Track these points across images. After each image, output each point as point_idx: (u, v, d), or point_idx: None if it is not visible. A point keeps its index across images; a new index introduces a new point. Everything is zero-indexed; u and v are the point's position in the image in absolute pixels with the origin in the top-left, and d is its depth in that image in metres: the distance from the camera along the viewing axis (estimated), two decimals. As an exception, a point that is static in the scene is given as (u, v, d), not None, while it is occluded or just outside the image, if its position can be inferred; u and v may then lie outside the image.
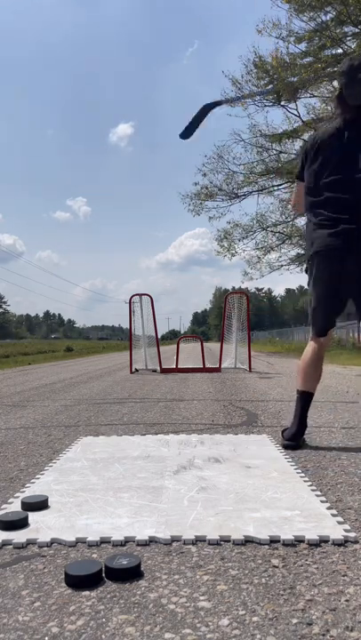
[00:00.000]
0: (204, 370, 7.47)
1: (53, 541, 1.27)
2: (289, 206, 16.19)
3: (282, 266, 17.85)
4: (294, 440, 2.28)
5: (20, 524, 1.35)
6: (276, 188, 16.33)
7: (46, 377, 7.40)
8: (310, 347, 2.36)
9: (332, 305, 2.30)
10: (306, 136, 14.92)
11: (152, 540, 1.27)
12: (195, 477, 1.79)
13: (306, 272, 2.37)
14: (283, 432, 2.39)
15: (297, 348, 15.68)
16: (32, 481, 1.79)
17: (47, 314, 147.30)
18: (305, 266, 2.39)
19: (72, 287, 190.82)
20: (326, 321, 2.33)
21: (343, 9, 11.92)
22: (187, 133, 3.13)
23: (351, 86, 2.20)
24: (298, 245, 17.17)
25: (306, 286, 2.44)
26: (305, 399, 2.34)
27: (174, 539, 1.27)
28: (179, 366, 7.69)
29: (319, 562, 1.15)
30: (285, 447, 2.25)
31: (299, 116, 14.66)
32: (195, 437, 2.52)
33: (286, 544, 1.24)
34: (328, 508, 1.45)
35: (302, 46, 13.71)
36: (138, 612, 0.95)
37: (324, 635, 0.87)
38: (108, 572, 1.08)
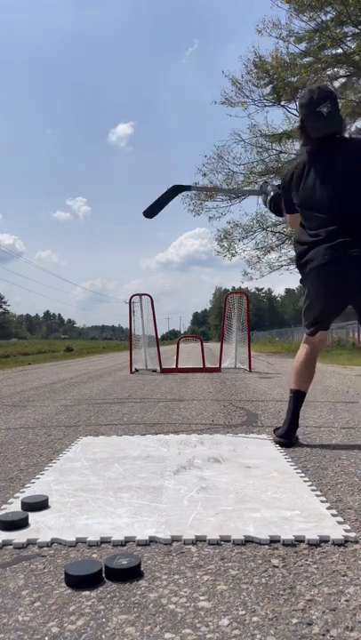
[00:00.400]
0: (204, 370, 7.47)
1: (54, 541, 1.27)
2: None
3: (282, 266, 17.86)
4: (287, 438, 2.32)
5: (21, 524, 1.35)
6: (276, 188, 16.31)
7: (46, 377, 7.40)
8: (304, 347, 2.41)
9: (329, 314, 2.36)
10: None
11: (152, 540, 1.27)
12: (195, 477, 1.79)
13: (301, 282, 2.40)
14: (275, 430, 2.44)
15: (297, 348, 15.61)
16: (32, 481, 1.79)
17: (47, 314, 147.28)
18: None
19: (72, 287, 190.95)
20: (322, 323, 2.36)
21: (343, 9, 11.92)
22: (151, 212, 2.94)
23: (312, 119, 2.27)
24: (298, 245, 17.13)
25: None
26: (298, 398, 2.37)
27: (174, 539, 1.27)
28: (179, 366, 7.69)
29: (319, 562, 1.15)
30: (278, 443, 2.31)
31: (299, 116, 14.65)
32: (195, 437, 2.52)
33: (286, 544, 1.24)
34: (328, 508, 1.45)
35: (302, 46, 13.73)
36: (138, 611, 0.95)
37: (324, 635, 0.87)
38: (108, 572, 1.08)
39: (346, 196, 2.20)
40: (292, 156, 15.52)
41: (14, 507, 1.50)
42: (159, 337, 8.02)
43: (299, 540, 1.25)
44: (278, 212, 2.67)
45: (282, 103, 14.69)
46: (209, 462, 2.01)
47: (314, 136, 2.29)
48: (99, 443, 2.44)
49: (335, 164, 2.25)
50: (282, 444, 2.30)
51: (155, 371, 7.44)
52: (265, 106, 14.76)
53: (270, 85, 14.34)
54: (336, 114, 2.26)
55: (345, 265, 2.17)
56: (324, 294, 2.28)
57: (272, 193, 2.70)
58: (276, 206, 2.66)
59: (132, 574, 1.08)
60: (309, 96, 2.28)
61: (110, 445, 2.37)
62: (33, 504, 1.48)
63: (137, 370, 7.62)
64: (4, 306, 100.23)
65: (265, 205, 2.80)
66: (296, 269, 2.43)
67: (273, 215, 2.80)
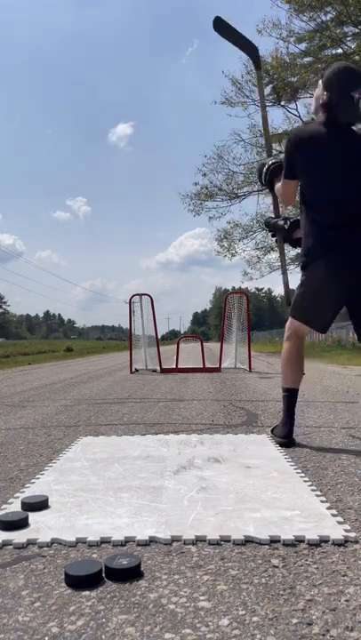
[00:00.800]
0: (204, 370, 7.47)
1: (54, 541, 1.27)
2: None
3: (282, 266, 17.83)
4: (289, 438, 2.32)
5: (21, 524, 1.35)
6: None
7: (46, 377, 7.40)
8: (290, 342, 2.38)
9: (326, 311, 2.30)
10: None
11: (152, 540, 1.27)
12: (195, 477, 1.79)
13: (302, 269, 2.33)
14: (272, 430, 2.45)
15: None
16: (32, 481, 1.79)
17: (47, 314, 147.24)
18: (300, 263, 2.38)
19: (72, 287, 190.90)
20: (321, 319, 2.32)
21: (343, 9, 11.93)
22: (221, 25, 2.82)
23: (342, 100, 2.14)
24: (298, 245, 17.14)
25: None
26: (293, 396, 2.38)
27: (175, 539, 1.27)
28: (179, 366, 7.69)
29: (319, 562, 1.15)
30: (280, 444, 2.30)
31: (299, 116, 14.69)
32: (194, 437, 2.52)
33: (287, 544, 1.24)
34: (328, 508, 1.45)
35: (302, 46, 13.74)
36: (138, 612, 0.95)
37: (324, 635, 0.87)
38: (108, 572, 1.08)
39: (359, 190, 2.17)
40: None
41: (14, 507, 1.50)
42: (159, 337, 8.02)
43: (299, 540, 1.25)
44: (270, 184, 2.52)
45: (282, 103, 14.70)
46: (209, 462, 2.01)
47: (337, 117, 2.17)
48: (99, 443, 2.44)
49: (353, 153, 2.18)
50: (284, 445, 2.29)
51: (155, 371, 7.44)
52: (265, 106, 14.75)
53: (270, 85, 14.34)
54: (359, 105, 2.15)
55: (346, 262, 2.14)
56: (332, 284, 2.19)
57: (272, 160, 2.54)
58: (271, 176, 2.51)
59: (132, 574, 1.08)
60: (347, 74, 2.16)
61: (110, 445, 2.37)
62: (33, 504, 1.47)
63: (137, 370, 7.62)
64: (3, 306, 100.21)
65: (259, 176, 2.60)
66: (301, 260, 2.31)
67: (273, 215, 2.70)
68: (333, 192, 2.18)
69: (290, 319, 2.38)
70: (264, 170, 2.55)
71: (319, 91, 2.24)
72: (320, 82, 2.25)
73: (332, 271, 2.18)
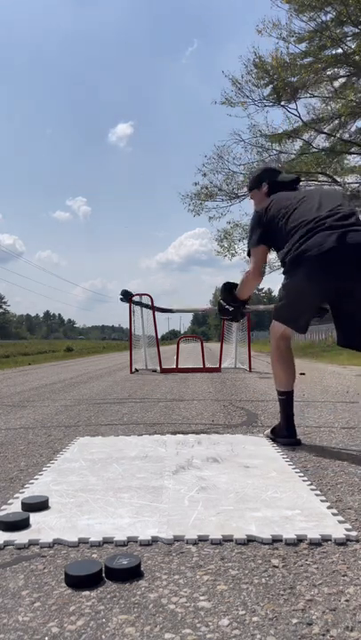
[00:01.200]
0: (204, 370, 7.47)
1: (56, 542, 1.27)
2: None
3: (282, 266, 17.82)
4: (295, 437, 2.36)
5: (22, 524, 1.35)
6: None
7: (46, 377, 7.39)
8: (281, 345, 2.39)
9: (304, 313, 2.32)
10: (306, 136, 14.96)
11: (155, 540, 1.27)
12: (194, 477, 1.79)
13: (284, 273, 2.34)
14: (272, 431, 2.47)
15: (297, 348, 15.63)
16: (30, 481, 1.79)
17: (47, 314, 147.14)
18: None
19: (72, 287, 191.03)
20: (302, 320, 2.33)
21: (343, 9, 11.94)
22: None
23: (277, 174, 2.68)
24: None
25: None
26: (290, 398, 2.41)
27: (177, 538, 1.27)
28: (179, 366, 7.68)
29: (319, 562, 1.15)
30: (290, 444, 2.31)
31: (299, 116, 14.68)
32: (192, 437, 2.51)
33: (288, 543, 1.24)
34: (328, 508, 1.45)
35: (302, 46, 13.73)
36: (138, 612, 0.95)
37: (324, 635, 0.87)
38: (108, 572, 1.08)
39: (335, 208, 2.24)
40: (292, 156, 15.53)
41: (14, 507, 1.50)
42: (159, 337, 8.02)
43: (300, 540, 1.25)
44: (234, 299, 2.73)
45: (282, 103, 14.69)
46: (207, 462, 2.01)
47: (286, 180, 2.61)
48: (96, 443, 2.44)
49: (306, 190, 2.46)
50: (292, 444, 2.31)
51: (155, 371, 7.43)
52: (265, 106, 14.76)
53: (270, 85, 14.34)
54: None
55: (331, 275, 2.13)
56: (312, 287, 2.19)
57: (220, 298, 2.81)
58: (229, 292, 2.74)
59: (132, 574, 1.08)
60: (261, 166, 2.87)
61: (107, 446, 2.37)
62: (33, 504, 1.47)
63: (137, 370, 7.62)
64: (4, 306, 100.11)
65: (221, 308, 2.82)
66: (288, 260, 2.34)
67: None
68: (306, 210, 2.27)
69: (275, 323, 2.40)
70: (221, 300, 2.77)
71: (257, 194, 2.68)
72: (252, 192, 2.73)
73: (312, 274, 2.16)
